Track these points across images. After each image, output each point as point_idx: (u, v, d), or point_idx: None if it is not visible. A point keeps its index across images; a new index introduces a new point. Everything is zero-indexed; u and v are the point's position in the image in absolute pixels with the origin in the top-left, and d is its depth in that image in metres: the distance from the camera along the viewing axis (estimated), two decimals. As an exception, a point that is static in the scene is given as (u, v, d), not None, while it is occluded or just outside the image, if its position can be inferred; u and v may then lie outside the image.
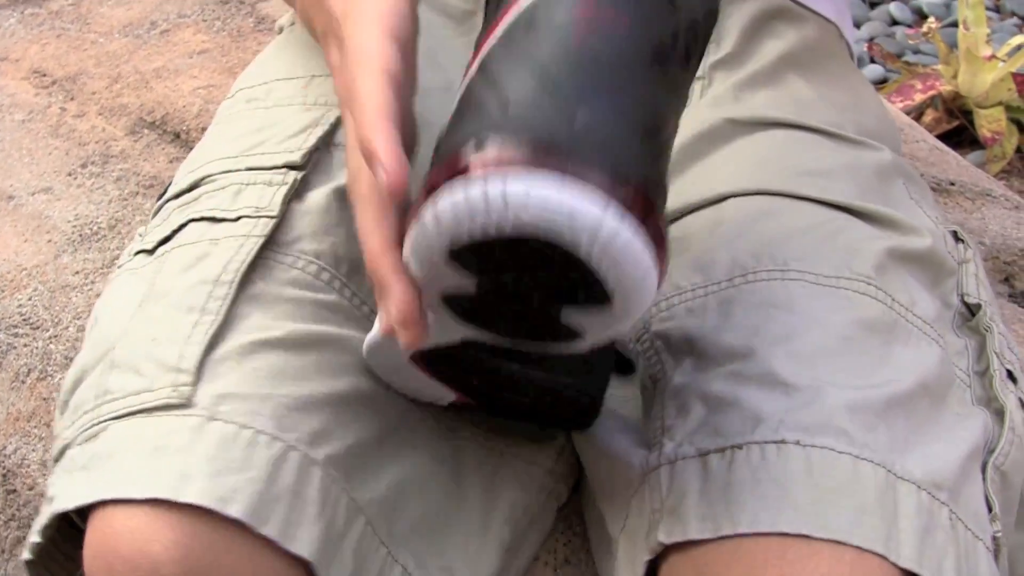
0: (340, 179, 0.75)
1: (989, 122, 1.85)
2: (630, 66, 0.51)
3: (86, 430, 0.69)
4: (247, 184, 0.76)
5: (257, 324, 0.70)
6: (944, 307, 0.77)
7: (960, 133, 1.94)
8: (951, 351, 0.74)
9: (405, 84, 0.60)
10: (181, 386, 0.67)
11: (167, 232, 0.77)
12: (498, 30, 0.54)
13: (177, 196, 0.81)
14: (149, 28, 1.65)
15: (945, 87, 1.92)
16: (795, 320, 0.68)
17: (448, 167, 0.50)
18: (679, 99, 0.55)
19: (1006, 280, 1.28)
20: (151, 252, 0.78)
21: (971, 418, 0.71)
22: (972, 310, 0.77)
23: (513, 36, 0.52)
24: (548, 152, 0.49)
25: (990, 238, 1.28)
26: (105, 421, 0.68)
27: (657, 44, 0.52)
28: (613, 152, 0.49)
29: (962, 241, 0.83)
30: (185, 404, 0.66)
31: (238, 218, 0.74)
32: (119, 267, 0.81)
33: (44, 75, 1.56)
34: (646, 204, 0.50)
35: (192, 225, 0.76)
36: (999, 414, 0.72)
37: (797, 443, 0.63)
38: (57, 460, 0.71)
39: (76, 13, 1.68)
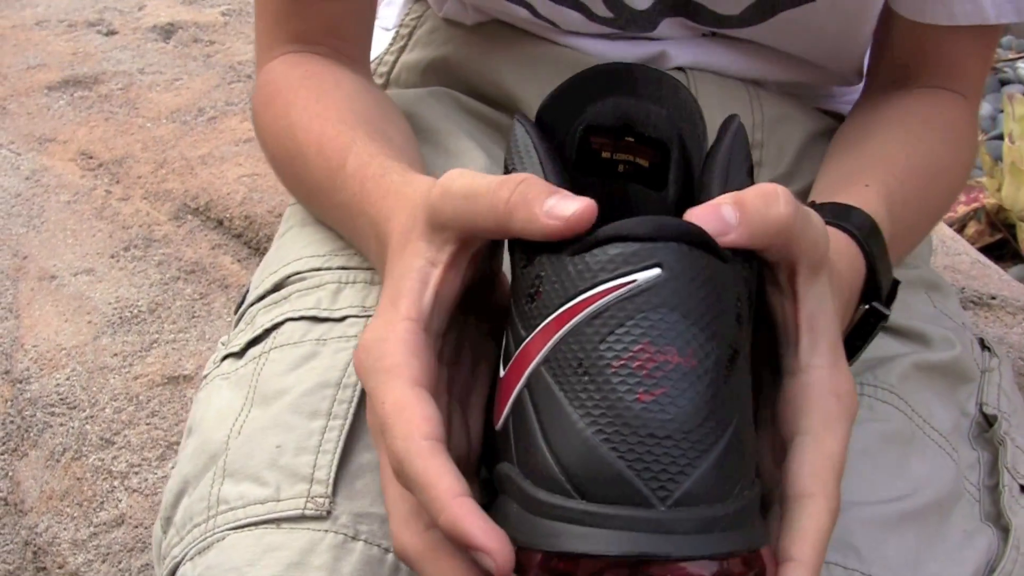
0: None
1: (1032, 236, 1.89)
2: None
3: (199, 543, 0.67)
4: (345, 283, 0.76)
5: None
6: (962, 415, 0.80)
7: (1003, 247, 1.97)
8: (963, 464, 0.77)
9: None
10: (317, 497, 0.66)
11: (257, 332, 0.76)
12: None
13: (261, 299, 0.80)
14: (196, 115, 1.71)
15: (989, 200, 1.96)
16: None
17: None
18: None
19: (1043, 395, 1.31)
20: (240, 355, 0.76)
21: (977, 536, 0.73)
22: (990, 420, 0.81)
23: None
24: None
25: (1029, 353, 1.31)
26: (223, 531, 0.67)
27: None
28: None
29: (988, 349, 0.86)
30: (323, 517, 0.65)
31: (343, 317, 0.74)
32: (205, 377, 0.79)
33: (91, 157, 1.62)
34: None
35: (289, 324, 0.75)
36: (1005, 531, 0.75)
37: None
38: None
39: (125, 97, 1.75)
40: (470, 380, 0.60)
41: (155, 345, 1.34)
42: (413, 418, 0.53)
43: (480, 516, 0.50)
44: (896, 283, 0.74)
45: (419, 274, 0.57)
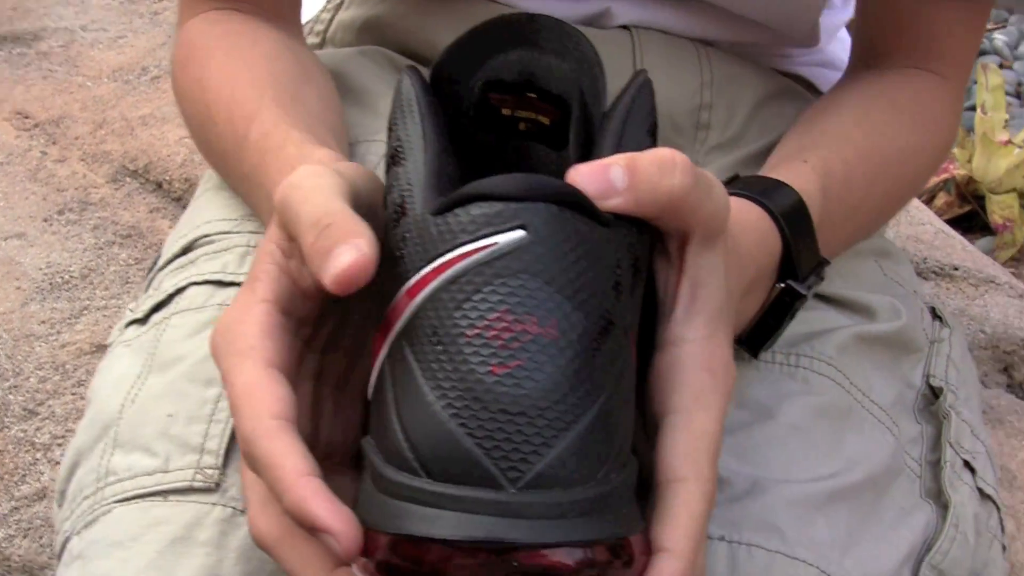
0: None
1: (1001, 208, 1.86)
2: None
3: (87, 516, 0.65)
4: (254, 247, 0.73)
5: None
6: (906, 387, 0.76)
7: (972, 218, 1.95)
8: (905, 438, 0.74)
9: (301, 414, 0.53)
10: (207, 468, 0.63)
11: (161, 297, 0.74)
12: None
13: (169, 262, 0.77)
14: (140, 74, 1.66)
15: (959, 171, 1.93)
16: (743, 414, 0.68)
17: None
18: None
19: (1005, 370, 1.27)
20: (144, 321, 0.74)
21: (915, 513, 0.70)
22: (936, 393, 0.77)
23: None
24: None
25: (991, 326, 1.28)
26: (110, 504, 0.64)
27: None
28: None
29: (940, 319, 0.83)
30: (212, 489, 0.62)
31: None
32: (110, 344, 0.76)
33: (27, 117, 1.58)
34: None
35: (193, 289, 0.72)
36: (945, 508, 0.72)
37: (722, 539, 0.62)
38: (59, 557, 0.67)
39: (66, 55, 1.70)
40: (349, 368, 0.57)
41: (85, 312, 1.30)
42: (263, 398, 0.49)
43: (326, 496, 0.47)
44: (823, 263, 0.70)
45: (273, 257, 0.54)
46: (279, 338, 0.52)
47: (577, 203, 0.48)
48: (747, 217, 0.64)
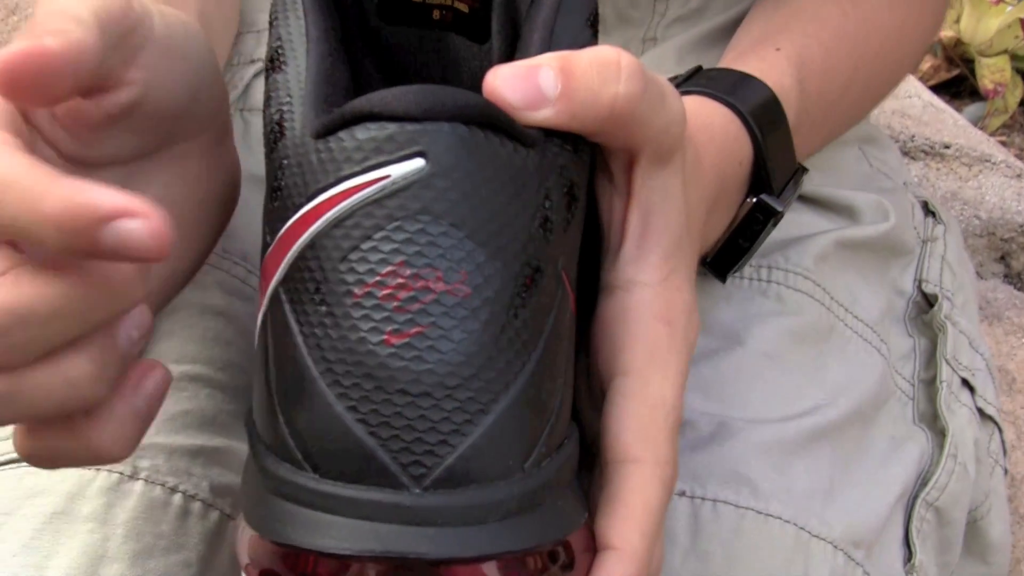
0: None
1: (992, 72, 1.76)
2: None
3: None
4: None
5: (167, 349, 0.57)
6: (895, 295, 0.68)
7: (960, 83, 1.85)
8: (895, 355, 0.65)
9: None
10: None
11: None
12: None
13: None
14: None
15: (946, 32, 1.83)
16: (708, 340, 0.59)
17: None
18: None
19: (1002, 259, 1.19)
20: None
21: (907, 444, 0.62)
22: (930, 300, 0.69)
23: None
24: None
25: (986, 211, 1.18)
26: None
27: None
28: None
29: (933, 214, 0.74)
30: None
31: None
32: None
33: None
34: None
35: None
36: (942, 435, 0.64)
37: (683, 494, 0.53)
38: None
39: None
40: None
41: None
42: None
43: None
44: (800, 170, 0.60)
45: None
46: None
47: (492, 121, 0.38)
48: (711, 120, 0.55)
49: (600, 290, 0.45)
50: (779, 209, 0.57)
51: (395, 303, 0.37)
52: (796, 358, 0.60)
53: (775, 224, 0.58)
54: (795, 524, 0.54)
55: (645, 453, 0.41)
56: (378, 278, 0.37)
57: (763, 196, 0.57)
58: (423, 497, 0.37)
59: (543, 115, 0.40)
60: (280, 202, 0.40)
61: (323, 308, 0.38)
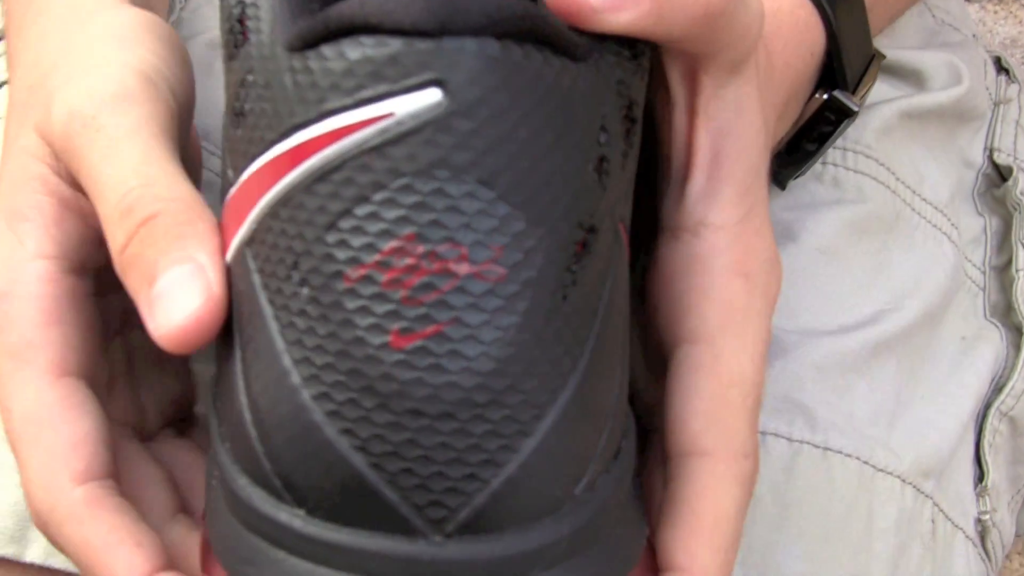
0: None
1: None
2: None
3: None
4: None
5: None
6: (964, 167, 0.60)
7: None
8: (964, 239, 0.57)
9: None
10: None
11: None
12: None
13: None
14: None
15: None
16: None
17: None
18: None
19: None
20: None
21: (979, 345, 0.55)
22: (1003, 173, 0.61)
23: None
24: None
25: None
26: None
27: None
28: None
29: (1006, 72, 0.65)
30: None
31: None
32: None
33: None
34: None
35: None
36: (1017, 332, 0.56)
37: None
38: None
39: None
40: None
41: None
42: (56, 448, 0.34)
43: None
44: (876, 57, 0.52)
45: (47, 183, 0.36)
46: (73, 319, 0.36)
47: (533, 31, 0.28)
48: (778, 6, 0.46)
49: (660, 230, 0.37)
50: (854, 109, 0.48)
51: (403, 292, 0.28)
52: (857, 254, 0.52)
53: (848, 124, 0.49)
54: (858, 458, 0.47)
55: (718, 444, 0.34)
56: (379, 257, 0.28)
57: (836, 92, 0.48)
58: (445, 547, 0.28)
59: (625, 18, 0.31)
60: (244, 132, 0.31)
61: (305, 291, 0.29)
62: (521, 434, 0.28)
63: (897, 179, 0.55)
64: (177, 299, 0.31)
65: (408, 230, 0.28)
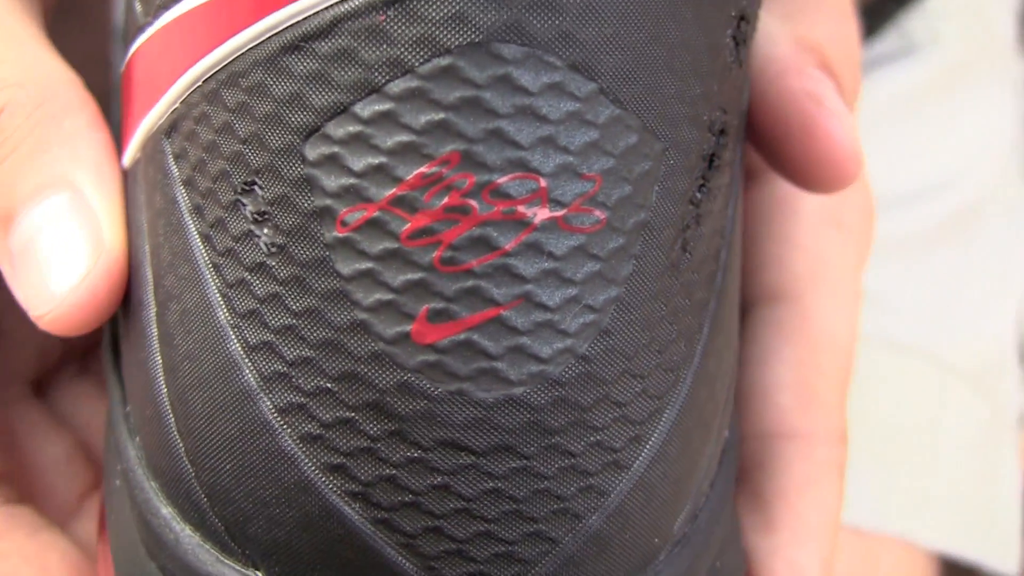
0: None
1: None
2: None
3: None
4: None
5: None
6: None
7: None
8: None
9: None
10: None
11: None
12: None
13: None
14: None
15: None
16: None
17: None
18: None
19: None
20: None
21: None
22: None
23: None
24: None
25: None
26: None
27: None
28: None
29: None
30: None
31: None
32: None
33: None
34: None
35: None
36: None
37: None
38: None
39: None
40: None
41: None
42: None
43: None
44: None
45: None
46: None
47: None
48: None
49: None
50: None
51: (437, 252, 0.17)
52: (922, 113, 0.47)
53: None
54: (925, 352, 0.42)
55: (813, 423, 0.27)
56: (397, 191, 0.17)
57: None
58: None
59: None
60: None
61: (265, 234, 0.18)
62: (613, 468, 0.19)
63: (976, 16, 0.49)
64: (53, 258, 0.21)
65: (449, 147, 0.17)
